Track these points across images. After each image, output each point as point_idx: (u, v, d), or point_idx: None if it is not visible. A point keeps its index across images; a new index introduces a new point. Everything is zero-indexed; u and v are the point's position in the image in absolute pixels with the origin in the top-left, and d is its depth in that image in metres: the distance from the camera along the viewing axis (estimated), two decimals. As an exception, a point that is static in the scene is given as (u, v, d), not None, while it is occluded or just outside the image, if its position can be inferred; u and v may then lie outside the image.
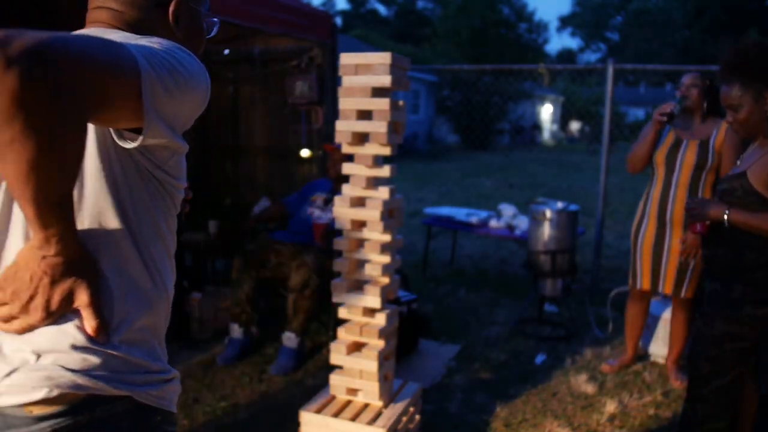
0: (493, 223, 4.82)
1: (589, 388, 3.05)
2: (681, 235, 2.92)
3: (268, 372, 3.14)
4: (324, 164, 3.94)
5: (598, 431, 2.68)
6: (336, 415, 2.27)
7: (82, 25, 1.02)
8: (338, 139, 2.24)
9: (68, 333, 0.85)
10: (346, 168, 2.27)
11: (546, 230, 3.77)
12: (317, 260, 3.20)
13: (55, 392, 0.83)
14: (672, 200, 2.96)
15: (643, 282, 3.11)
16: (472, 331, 3.85)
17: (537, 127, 27.31)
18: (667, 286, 3.03)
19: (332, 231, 3.21)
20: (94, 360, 0.86)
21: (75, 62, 0.70)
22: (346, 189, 2.27)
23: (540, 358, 3.43)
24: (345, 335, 2.34)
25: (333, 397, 2.40)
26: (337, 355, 2.34)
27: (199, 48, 1.13)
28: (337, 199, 2.29)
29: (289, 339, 3.20)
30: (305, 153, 4.26)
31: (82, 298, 0.84)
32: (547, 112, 29.71)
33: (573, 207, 3.98)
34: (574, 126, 30.02)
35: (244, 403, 2.83)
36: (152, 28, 1.03)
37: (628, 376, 3.22)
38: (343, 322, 2.38)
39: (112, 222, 0.89)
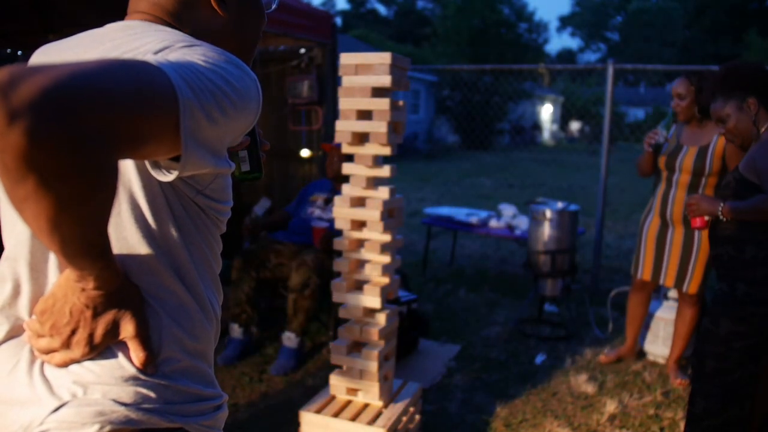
0: (493, 223, 4.82)
1: (589, 388, 3.05)
2: (681, 233, 3.05)
3: (268, 372, 3.14)
4: (324, 164, 3.94)
5: (598, 431, 2.68)
6: (336, 415, 2.27)
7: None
8: (338, 139, 2.23)
9: (116, 364, 0.79)
10: (346, 168, 2.26)
11: (546, 230, 3.77)
12: (317, 260, 3.20)
13: (107, 428, 0.76)
14: (671, 201, 3.06)
15: (645, 272, 3.20)
16: (472, 331, 3.84)
17: (537, 127, 27.30)
18: (668, 279, 3.12)
19: (332, 234, 3.21)
20: (146, 392, 0.80)
21: (98, 106, 0.60)
22: (346, 189, 2.27)
23: (540, 358, 3.43)
24: (345, 335, 2.34)
25: (333, 397, 2.40)
26: (337, 355, 2.33)
27: (259, 27, 1.01)
28: (337, 199, 2.28)
29: (289, 339, 3.20)
30: (305, 153, 4.26)
31: (127, 330, 0.79)
32: (547, 112, 29.71)
33: (573, 207, 3.98)
34: (574, 126, 30.02)
35: (244, 403, 2.83)
36: (197, 12, 0.93)
37: (628, 376, 3.22)
38: (343, 322, 2.38)
39: (154, 249, 0.83)
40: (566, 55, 53.56)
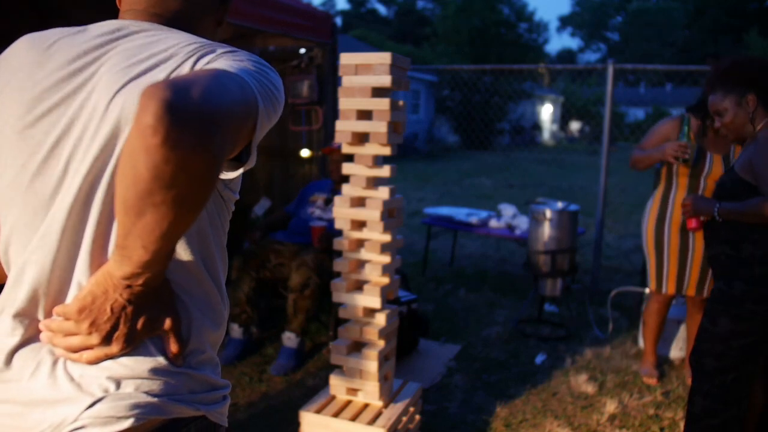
0: (493, 223, 4.82)
1: (589, 388, 3.05)
2: (703, 239, 2.92)
3: (268, 372, 3.13)
4: (324, 165, 3.94)
5: (598, 431, 2.68)
6: (336, 415, 2.27)
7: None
8: (338, 139, 2.23)
9: (147, 357, 0.82)
10: (346, 168, 2.26)
11: (546, 230, 3.77)
12: (317, 260, 3.20)
13: (142, 420, 0.79)
14: None
15: (669, 286, 3.05)
16: (472, 331, 3.84)
17: (537, 127, 27.31)
18: (690, 288, 3.02)
19: (330, 234, 3.21)
20: (175, 383, 0.83)
21: (230, 123, 0.68)
22: (346, 189, 2.27)
23: (540, 358, 3.43)
24: (345, 335, 2.34)
25: (333, 397, 2.40)
26: (337, 355, 2.33)
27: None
28: (337, 199, 2.28)
29: (289, 339, 3.20)
30: (305, 153, 4.26)
31: (165, 323, 0.82)
32: (547, 112, 29.70)
33: (573, 207, 3.97)
34: (574, 126, 30.03)
35: (243, 403, 2.83)
36: (196, 20, 0.97)
37: (628, 376, 3.22)
38: (343, 322, 2.38)
39: (193, 243, 0.86)
40: (566, 55, 53.57)
